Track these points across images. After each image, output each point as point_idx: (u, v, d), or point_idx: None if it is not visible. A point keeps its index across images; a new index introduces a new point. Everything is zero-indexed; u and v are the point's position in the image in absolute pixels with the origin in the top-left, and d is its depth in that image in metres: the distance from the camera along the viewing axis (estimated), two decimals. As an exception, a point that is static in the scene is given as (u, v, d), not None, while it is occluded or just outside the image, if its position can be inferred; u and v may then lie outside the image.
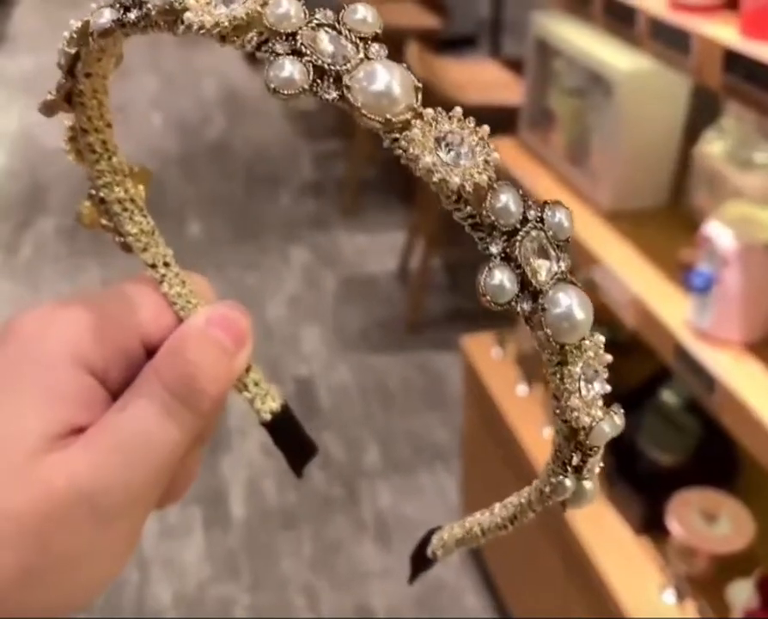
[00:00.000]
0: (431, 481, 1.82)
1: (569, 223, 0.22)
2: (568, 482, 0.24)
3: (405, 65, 0.21)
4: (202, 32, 0.20)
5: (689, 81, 1.15)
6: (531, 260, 0.21)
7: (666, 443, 1.17)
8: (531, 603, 1.41)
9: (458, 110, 0.21)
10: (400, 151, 0.21)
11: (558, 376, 0.22)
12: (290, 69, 0.20)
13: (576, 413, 0.22)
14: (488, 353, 1.50)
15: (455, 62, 2.51)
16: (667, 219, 1.22)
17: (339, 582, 1.60)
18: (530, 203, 0.21)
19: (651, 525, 1.13)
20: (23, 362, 0.24)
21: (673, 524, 1.07)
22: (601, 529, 1.16)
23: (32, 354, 0.24)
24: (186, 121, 3.59)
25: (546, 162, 1.38)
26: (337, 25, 0.21)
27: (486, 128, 0.21)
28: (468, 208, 0.21)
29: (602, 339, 0.22)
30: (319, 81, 0.20)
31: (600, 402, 0.22)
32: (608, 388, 0.22)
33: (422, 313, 2.28)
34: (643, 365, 1.26)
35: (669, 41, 0.92)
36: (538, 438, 1.31)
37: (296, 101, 0.20)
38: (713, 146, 1.13)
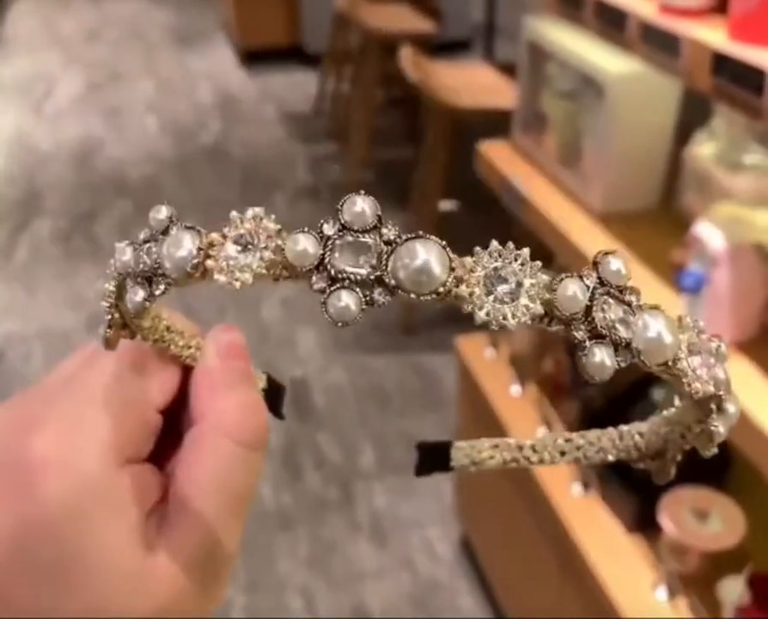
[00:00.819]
0: (426, 481, 1.82)
1: (625, 270, 0.23)
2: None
3: (442, 243, 0.22)
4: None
5: (679, 83, 1.17)
6: (607, 321, 0.23)
7: (658, 442, 1.18)
8: (525, 601, 1.41)
9: (495, 245, 0.23)
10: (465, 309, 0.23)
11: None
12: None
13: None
14: (481, 354, 1.51)
15: (449, 66, 2.52)
16: (659, 220, 1.23)
17: (335, 583, 1.61)
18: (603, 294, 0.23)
19: (643, 523, 1.14)
20: (76, 491, 0.24)
21: (665, 522, 1.08)
22: (594, 527, 1.17)
23: (74, 478, 0.24)
24: (182, 125, 3.59)
25: (539, 165, 1.40)
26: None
27: (539, 264, 0.23)
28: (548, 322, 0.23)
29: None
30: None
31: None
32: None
33: (416, 314, 2.29)
34: (634, 366, 1.27)
35: (659, 45, 0.94)
36: (532, 438, 1.32)
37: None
38: (703, 148, 1.15)
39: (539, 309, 0.22)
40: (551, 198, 1.31)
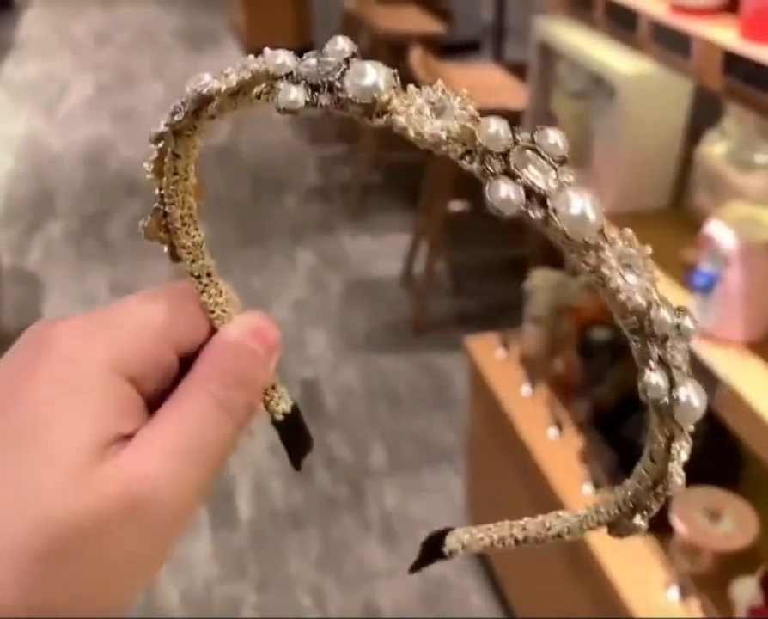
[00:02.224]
0: (437, 481, 1.83)
1: (563, 141, 0.23)
2: (657, 378, 0.25)
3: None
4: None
5: (690, 83, 1.16)
6: (531, 171, 0.22)
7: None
8: (536, 602, 1.41)
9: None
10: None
11: (599, 272, 0.23)
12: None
13: (624, 296, 0.23)
14: (492, 354, 1.51)
15: (459, 67, 2.52)
16: (670, 220, 1.23)
17: (346, 582, 1.61)
18: (519, 128, 0.23)
19: (655, 524, 1.13)
20: (67, 375, 0.25)
21: (677, 522, 1.08)
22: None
23: (75, 367, 0.25)
24: (192, 126, 3.61)
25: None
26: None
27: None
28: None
29: (631, 233, 0.24)
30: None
31: (653, 288, 0.24)
32: (656, 275, 0.24)
33: (427, 315, 2.29)
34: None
35: (670, 44, 0.94)
36: (542, 438, 1.32)
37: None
38: (714, 147, 1.15)
39: (455, 128, 0.22)
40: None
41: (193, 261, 0.30)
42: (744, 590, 1.01)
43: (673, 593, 1.06)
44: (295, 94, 0.23)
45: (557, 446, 1.31)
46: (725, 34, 0.87)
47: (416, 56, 2.25)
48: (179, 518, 0.25)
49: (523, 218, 0.22)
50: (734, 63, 0.82)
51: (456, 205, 2.24)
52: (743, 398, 0.87)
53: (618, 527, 0.28)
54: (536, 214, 0.22)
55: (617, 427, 1.27)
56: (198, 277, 0.29)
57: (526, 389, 1.43)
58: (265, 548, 1.68)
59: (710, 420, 1.09)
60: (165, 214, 0.29)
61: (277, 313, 2.34)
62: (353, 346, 2.25)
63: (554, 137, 0.23)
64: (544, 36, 1.40)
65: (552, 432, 1.33)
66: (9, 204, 3.04)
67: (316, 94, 0.23)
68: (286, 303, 2.41)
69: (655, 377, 0.24)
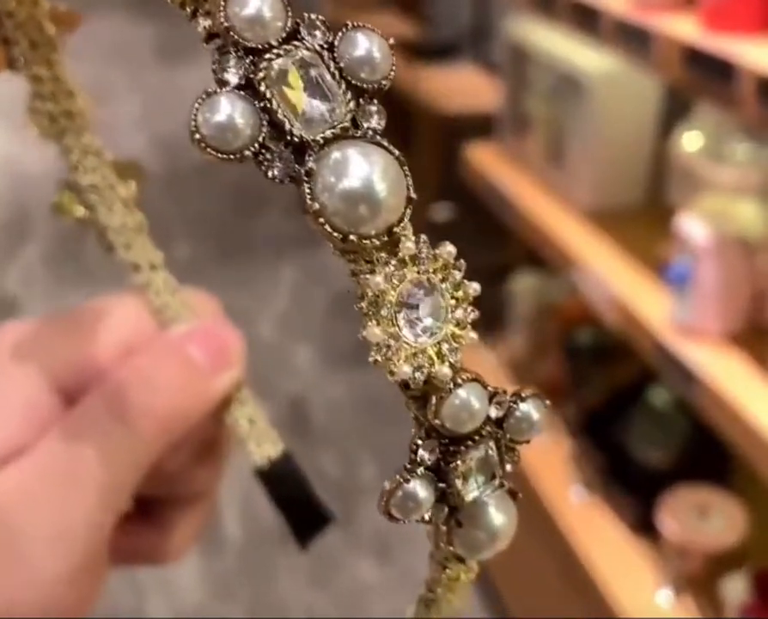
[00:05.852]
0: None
1: (382, 55, 0.15)
2: (417, 489, 0.16)
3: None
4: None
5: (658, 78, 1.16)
6: (292, 93, 0.14)
7: (656, 442, 1.17)
8: (527, 604, 1.40)
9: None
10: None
11: (358, 293, 0.14)
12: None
13: (382, 354, 0.15)
14: (479, 358, 1.50)
15: (438, 70, 2.52)
16: (645, 215, 1.22)
17: (339, 599, 1.59)
18: (317, 22, 0.15)
19: (645, 524, 1.12)
20: None
21: (667, 522, 1.06)
22: (595, 529, 1.16)
23: (2, 368, 0.23)
24: (171, 141, 3.60)
25: (526, 166, 1.39)
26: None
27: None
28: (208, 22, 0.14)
29: (453, 251, 0.15)
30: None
31: (450, 354, 0.15)
32: (472, 336, 0.15)
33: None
34: (630, 367, 1.26)
35: (632, 41, 0.93)
36: (532, 443, 1.30)
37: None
38: (686, 141, 1.14)
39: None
40: (537, 198, 1.30)
41: (127, 248, 0.24)
42: (734, 588, 1.00)
43: (664, 594, 1.05)
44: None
45: (545, 449, 1.29)
46: (685, 27, 0.86)
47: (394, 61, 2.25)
48: (53, 547, 0.21)
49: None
50: (694, 56, 0.81)
51: (439, 209, 2.24)
52: (721, 390, 0.86)
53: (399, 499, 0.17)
54: (273, 170, 0.14)
55: (605, 428, 1.26)
56: (137, 268, 0.24)
57: (511, 394, 1.41)
58: (255, 568, 1.66)
59: (696, 418, 1.08)
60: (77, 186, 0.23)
61: (261, 329, 2.32)
62: (340, 359, 2.23)
63: (366, 47, 0.14)
64: (514, 37, 1.39)
65: (543, 436, 1.32)
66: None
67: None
68: (270, 318, 2.39)
69: (412, 489, 0.15)
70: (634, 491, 1.16)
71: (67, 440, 0.22)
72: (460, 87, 2.33)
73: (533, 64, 1.36)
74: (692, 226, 0.92)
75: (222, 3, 0.14)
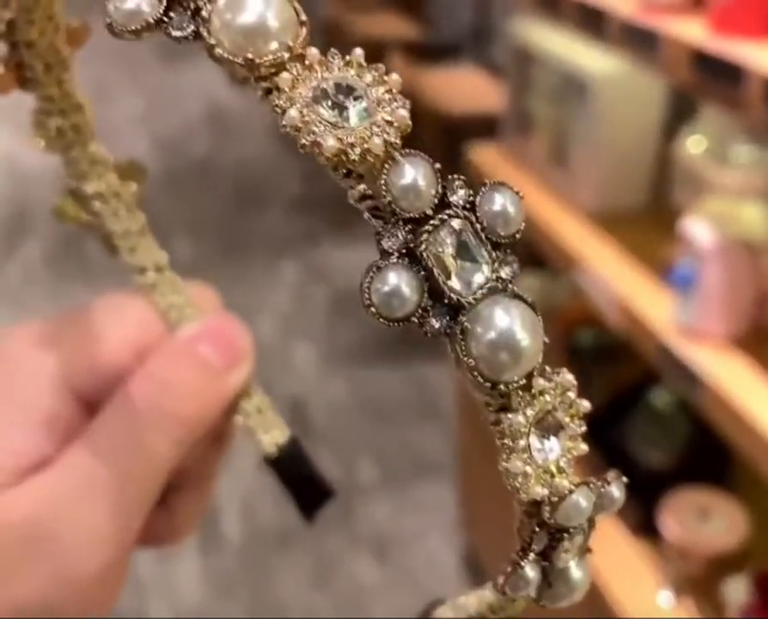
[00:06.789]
0: (429, 494, 1.81)
1: (515, 210, 0.16)
2: (529, 573, 0.18)
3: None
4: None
5: (664, 80, 1.16)
6: (447, 260, 0.15)
7: (657, 444, 1.17)
8: (528, 609, 1.40)
9: (358, 52, 0.16)
10: (271, 106, 0.15)
11: (499, 427, 0.16)
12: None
13: (520, 481, 0.16)
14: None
15: (440, 72, 2.52)
16: (649, 217, 1.22)
17: (338, 599, 1.59)
18: (457, 183, 0.16)
19: (646, 526, 1.12)
20: (7, 386, 0.23)
21: (668, 524, 1.06)
22: (596, 531, 1.16)
23: (17, 378, 0.23)
24: (172, 140, 3.60)
25: (529, 167, 1.39)
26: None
27: (396, 77, 0.16)
28: (361, 186, 0.16)
29: (571, 378, 0.17)
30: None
31: (566, 465, 0.17)
32: (583, 448, 0.17)
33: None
34: (632, 368, 1.26)
35: (639, 43, 0.93)
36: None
37: None
38: (691, 143, 1.14)
39: (377, 145, 0.15)
40: (540, 199, 1.30)
41: (132, 251, 0.25)
42: (735, 589, 1.00)
43: (665, 596, 1.05)
44: (137, 3, 0.15)
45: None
46: (693, 30, 0.86)
47: (396, 63, 2.25)
48: (88, 560, 0.22)
49: (423, 324, 0.15)
50: (701, 58, 0.81)
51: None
52: (724, 393, 0.86)
53: (515, 584, 0.19)
54: (438, 325, 0.15)
55: (606, 429, 1.26)
56: (143, 270, 0.25)
57: (512, 395, 1.41)
58: (254, 568, 1.66)
59: (697, 420, 1.08)
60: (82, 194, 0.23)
61: (262, 328, 2.32)
62: (340, 359, 2.23)
63: (502, 203, 0.16)
64: (518, 38, 1.39)
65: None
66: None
67: (171, 14, 0.15)
68: (271, 317, 2.39)
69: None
70: (635, 492, 1.16)
71: (92, 454, 0.22)
72: (462, 88, 2.33)
73: (537, 65, 1.36)
74: (697, 228, 0.92)
75: (384, 174, 0.15)
